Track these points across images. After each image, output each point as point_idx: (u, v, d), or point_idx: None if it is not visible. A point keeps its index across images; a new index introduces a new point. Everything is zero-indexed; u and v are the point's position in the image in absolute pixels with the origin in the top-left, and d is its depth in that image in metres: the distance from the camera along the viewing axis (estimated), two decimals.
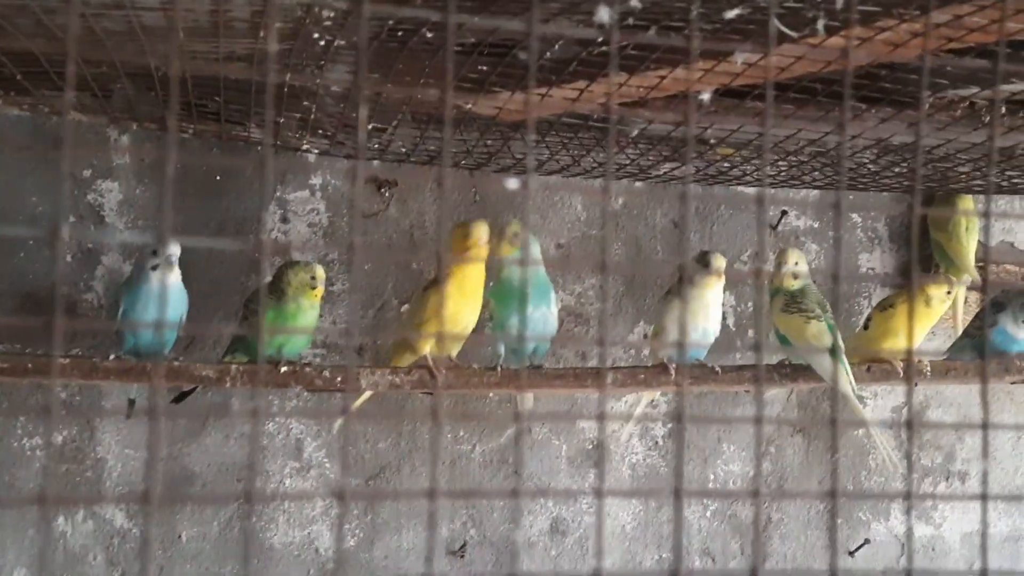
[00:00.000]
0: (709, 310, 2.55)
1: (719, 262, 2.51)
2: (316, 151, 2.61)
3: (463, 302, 2.42)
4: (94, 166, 2.71)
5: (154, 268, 2.32)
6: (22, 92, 2.14)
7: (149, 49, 1.46)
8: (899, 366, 2.58)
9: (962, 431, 3.15)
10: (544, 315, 2.54)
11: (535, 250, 2.57)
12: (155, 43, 1.42)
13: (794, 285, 2.57)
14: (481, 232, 2.43)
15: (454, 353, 2.54)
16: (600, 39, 1.38)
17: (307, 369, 2.37)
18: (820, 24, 1.17)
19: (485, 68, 1.66)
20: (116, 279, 2.67)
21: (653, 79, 1.62)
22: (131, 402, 2.56)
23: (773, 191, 2.98)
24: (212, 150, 2.71)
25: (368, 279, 2.85)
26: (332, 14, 1.32)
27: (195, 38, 1.49)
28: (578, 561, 2.93)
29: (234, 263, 2.75)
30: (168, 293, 2.32)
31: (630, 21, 1.31)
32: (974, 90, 1.74)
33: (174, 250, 2.32)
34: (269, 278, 2.69)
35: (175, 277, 2.35)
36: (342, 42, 1.45)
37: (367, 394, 2.56)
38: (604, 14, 1.15)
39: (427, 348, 2.44)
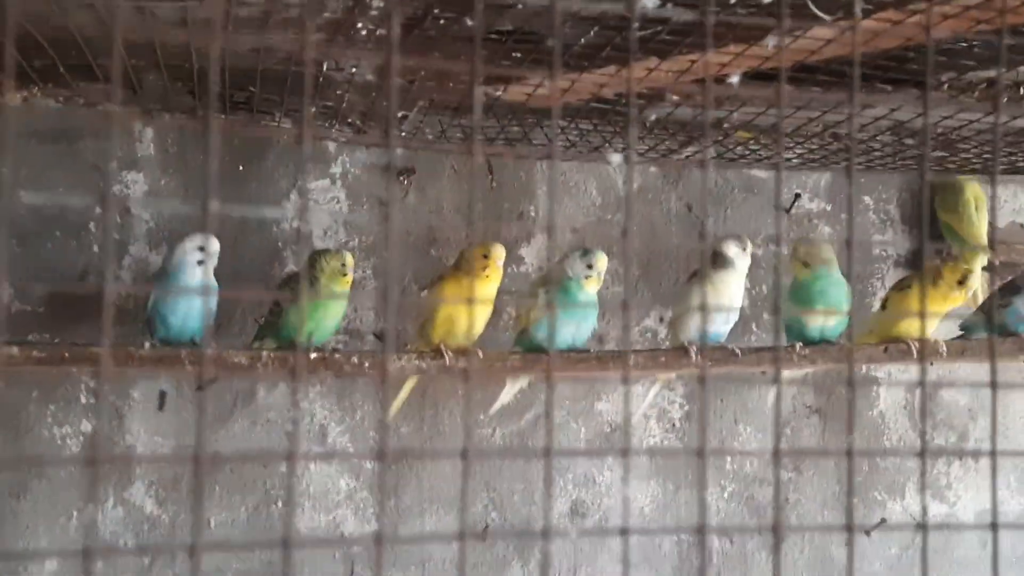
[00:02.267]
0: (732, 292, 2.58)
1: (747, 244, 2.55)
2: (343, 139, 2.64)
3: (460, 308, 2.45)
4: (119, 157, 2.73)
5: (200, 263, 2.35)
6: (60, 84, 2.17)
7: (194, 41, 1.49)
8: (915, 346, 2.61)
9: (975, 412, 3.19)
10: (588, 329, 2.58)
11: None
12: (201, 35, 1.45)
13: (807, 274, 2.60)
14: (499, 255, 2.47)
15: (469, 343, 2.55)
16: (635, 23, 1.41)
17: (336, 355, 2.40)
18: (858, 7, 1.20)
19: (518, 55, 1.69)
20: (143, 269, 2.71)
21: (684, 63, 1.65)
22: (162, 394, 2.60)
23: (785, 174, 3.02)
24: (235, 141, 2.74)
25: (388, 267, 2.88)
26: (381, 3, 1.35)
27: (241, 29, 1.52)
28: (598, 543, 2.97)
29: (259, 252, 2.79)
30: (210, 287, 2.35)
31: (669, 6, 1.34)
32: (996, 71, 1.77)
33: (216, 246, 2.36)
34: (295, 268, 2.74)
35: (208, 269, 2.38)
36: (383, 31, 1.48)
37: (410, 384, 2.60)
38: (648, 1, 1.18)
39: (437, 340, 2.47)
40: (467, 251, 2.48)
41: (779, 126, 1.18)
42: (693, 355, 2.53)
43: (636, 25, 0.98)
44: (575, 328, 2.54)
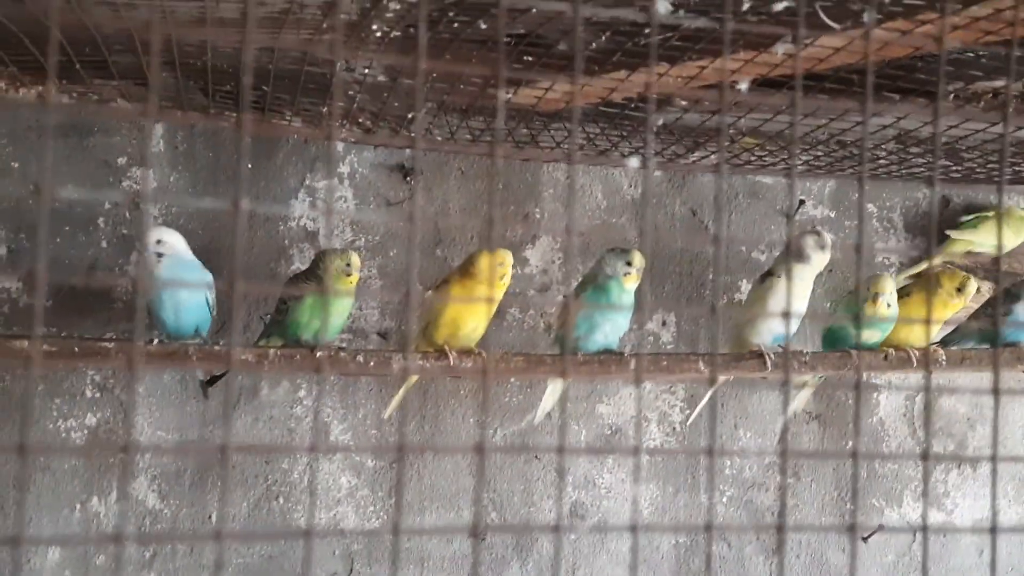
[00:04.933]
0: (804, 292, 2.57)
1: (829, 243, 2.54)
2: (352, 140, 2.66)
3: (471, 309, 2.47)
4: (129, 153, 2.75)
5: (160, 256, 2.36)
6: (74, 80, 2.19)
7: (212, 39, 1.51)
8: (915, 355, 2.63)
9: (973, 420, 3.21)
10: (622, 329, 2.59)
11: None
12: (220, 33, 1.46)
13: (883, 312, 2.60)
14: (509, 263, 2.50)
15: (472, 344, 2.57)
16: (647, 29, 1.42)
17: (342, 354, 2.42)
18: (867, 16, 1.21)
19: (530, 59, 1.71)
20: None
21: (693, 69, 1.67)
22: (203, 384, 2.63)
23: (790, 180, 3.04)
24: (245, 138, 2.75)
25: (395, 265, 2.90)
26: (398, 6, 1.37)
27: (260, 28, 1.53)
28: (596, 545, 2.98)
29: (265, 249, 2.81)
30: (160, 279, 2.35)
31: (681, 13, 1.36)
32: (1003, 82, 1.79)
33: (173, 240, 2.37)
34: (303, 268, 2.76)
35: (173, 262, 2.38)
36: (398, 33, 1.50)
37: (410, 383, 2.62)
38: (661, 5, 1.20)
39: (440, 341, 2.49)
40: (476, 256, 2.49)
41: (792, 133, 1.20)
42: (769, 363, 2.53)
43: (652, 31, 0.99)
44: (611, 328, 2.56)
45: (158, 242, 2.36)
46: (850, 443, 3.12)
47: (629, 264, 2.52)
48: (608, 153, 2.44)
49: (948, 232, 3.01)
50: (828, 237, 2.56)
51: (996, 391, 1.21)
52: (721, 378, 2.80)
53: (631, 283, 2.54)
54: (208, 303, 2.44)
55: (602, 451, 3.01)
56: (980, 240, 2.97)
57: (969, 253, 3.06)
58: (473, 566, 1.60)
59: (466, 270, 2.51)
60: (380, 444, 2.87)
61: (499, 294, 2.51)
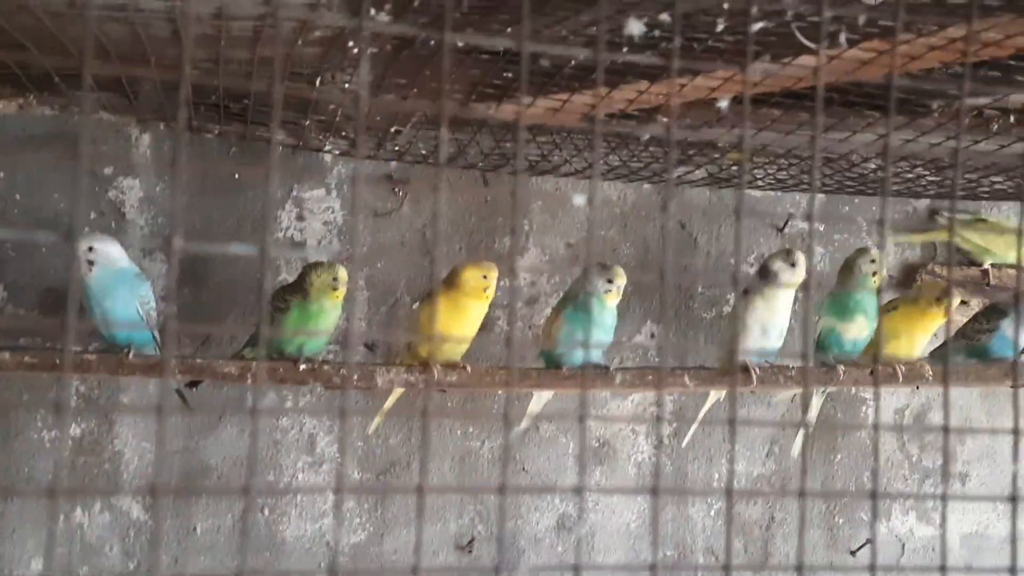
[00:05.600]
0: (785, 308, 2.58)
1: (803, 261, 2.55)
2: (337, 151, 2.66)
3: (457, 322, 2.47)
4: (115, 164, 2.75)
5: (91, 263, 2.35)
6: (55, 92, 2.18)
7: (190, 56, 1.50)
8: (901, 370, 2.62)
9: (963, 434, 3.20)
10: (605, 341, 2.59)
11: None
12: (196, 50, 1.46)
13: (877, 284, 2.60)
14: (494, 277, 2.49)
15: (457, 358, 2.56)
16: (625, 49, 1.42)
17: (326, 367, 2.41)
18: (843, 37, 1.21)
19: (509, 75, 1.70)
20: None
21: (674, 86, 1.67)
22: (179, 393, 2.62)
23: (779, 194, 3.04)
24: (231, 150, 2.75)
25: (381, 277, 2.89)
26: (373, 25, 1.36)
27: (235, 47, 1.53)
28: (584, 558, 2.98)
29: (249, 262, 2.80)
30: (92, 288, 2.34)
31: (656, 33, 1.35)
32: (985, 100, 1.79)
33: (105, 247, 2.36)
34: (290, 279, 2.75)
35: (103, 271, 2.36)
36: (375, 49, 1.50)
37: (395, 396, 2.62)
38: (634, 27, 1.20)
39: (425, 354, 2.48)
40: (461, 269, 2.48)
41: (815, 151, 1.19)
42: (755, 377, 2.53)
43: (599, 65, 0.99)
44: (594, 343, 2.55)
45: (89, 249, 2.35)
46: (839, 456, 3.12)
47: (610, 281, 2.52)
48: (587, 171, 2.43)
49: (945, 213, 3.03)
50: (799, 255, 2.56)
51: (946, 429, 1.20)
52: (713, 395, 2.80)
53: (612, 300, 2.54)
54: (139, 314, 2.39)
55: (587, 458, 3.00)
56: (969, 237, 2.98)
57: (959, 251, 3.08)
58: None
59: (451, 283, 2.50)
60: (364, 458, 2.86)
61: (484, 307, 2.50)
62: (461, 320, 2.47)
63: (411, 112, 2.13)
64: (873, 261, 2.60)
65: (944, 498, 1.08)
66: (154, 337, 2.45)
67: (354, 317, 2.83)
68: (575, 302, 2.55)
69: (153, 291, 2.47)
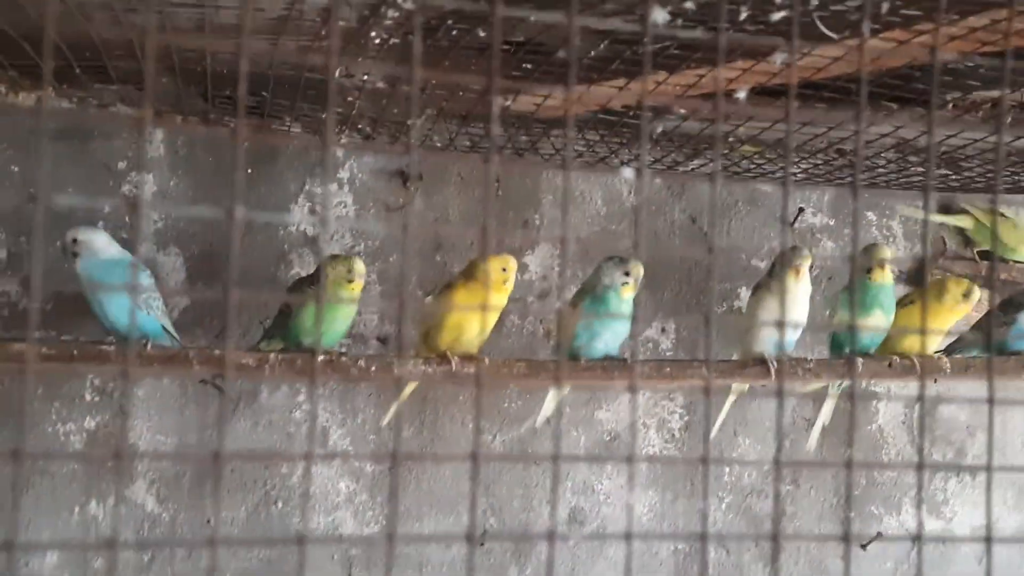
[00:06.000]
0: (800, 301, 2.58)
1: (807, 260, 2.55)
2: (353, 145, 2.66)
3: (474, 316, 2.47)
4: (129, 157, 2.76)
5: (75, 255, 2.36)
6: (74, 85, 2.19)
7: (212, 44, 1.51)
8: (918, 362, 2.62)
9: (973, 428, 3.20)
10: (622, 337, 2.60)
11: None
12: (221, 39, 1.47)
13: (884, 279, 2.61)
14: (512, 268, 2.50)
15: (475, 350, 2.56)
16: (644, 38, 1.42)
17: (343, 359, 2.42)
18: (866, 27, 1.22)
19: (529, 66, 1.71)
20: (151, 268, 2.73)
21: (691, 77, 1.67)
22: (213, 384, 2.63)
23: (790, 188, 3.04)
24: (244, 144, 2.76)
25: (394, 271, 2.90)
26: (396, 14, 1.37)
27: (259, 34, 1.54)
28: (595, 550, 2.98)
29: (264, 253, 2.81)
30: (82, 279, 2.35)
31: (679, 22, 1.36)
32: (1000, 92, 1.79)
33: (91, 238, 2.37)
34: (301, 272, 2.77)
35: (89, 262, 2.37)
36: (396, 40, 1.50)
37: (409, 389, 2.62)
38: (659, 15, 1.20)
39: (443, 346, 2.49)
40: (480, 261, 2.49)
41: (787, 142, 1.19)
42: (772, 370, 2.54)
43: (647, 40, 1.00)
44: (611, 336, 2.56)
45: (74, 241, 2.36)
46: (850, 450, 3.12)
47: (627, 274, 2.52)
48: (607, 160, 2.44)
49: (964, 206, 3.04)
50: (805, 253, 2.56)
51: (991, 400, 1.21)
52: (735, 388, 2.80)
53: (628, 293, 2.54)
54: (135, 303, 2.38)
55: (598, 451, 3.01)
56: (985, 221, 2.99)
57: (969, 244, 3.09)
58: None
59: (470, 274, 2.50)
60: (378, 450, 2.87)
61: (503, 299, 2.51)
62: (480, 312, 2.46)
63: (427, 104, 2.14)
64: (883, 256, 2.61)
65: (989, 468, 1.08)
66: (165, 328, 2.46)
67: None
68: (592, 295, 2.56)
69: (155, 280, 2.47)
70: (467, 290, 2.47)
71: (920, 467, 1.06)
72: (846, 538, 1.05)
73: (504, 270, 2.47)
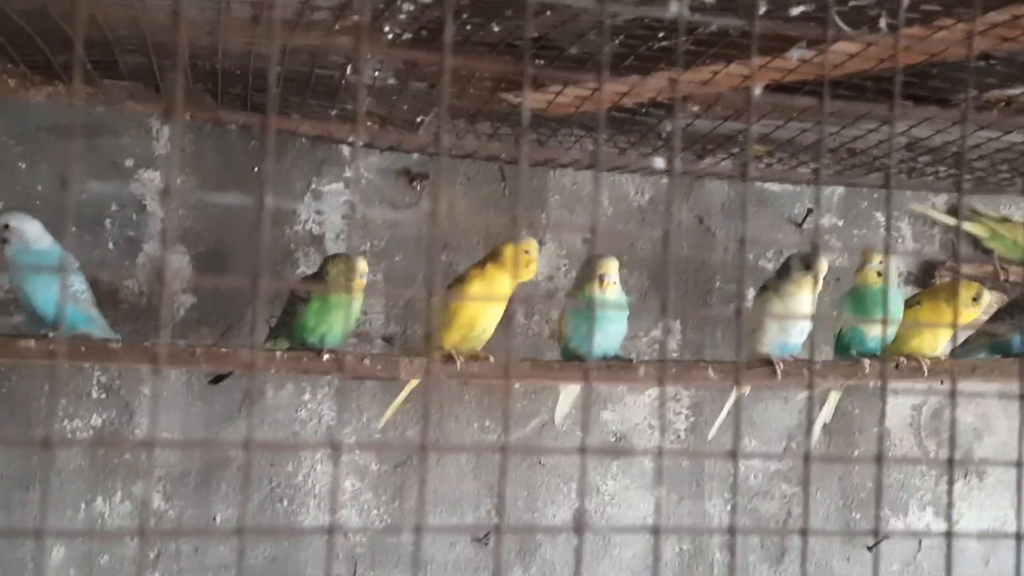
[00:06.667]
0: (805, 307, 2.55)
1: (822, 267, 2.53)
2: (360, 143, 2.65)
3: (483, 308, 2.46)
4: (136, 155, 2.75)
5: (4, 241, 2.34)
6: (85, 81, 2.18)
7: (224, 40, 1.50)
8: (926, 363, 2.62)
9: (980, 431, 3.20)
10: (617, 334, 2.59)
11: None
12: (233, 35, 1.46)
13: (879, 283, 2.59)
14: (535, 251, 2.49)
15: (478, 348, 2.55)
16: (661, 34, 1.42)
17: (348, 357, 2.41)
18: (883, 22, 1.21)
19: (541, 62, 1.70)
20: (157, 266, 2.73)
21: (707, 74, 1.67)
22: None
23: (798, 188, 3.04)
24: (251, 142, 2.76)
25: (399, 270, 2.90)
26: (411, 8, 1.36)
27: (272, 30, 1.53)
28: (599, 552, 2.98)
29: (270, 252, 2.80)
30: (9, 265, 2.33)
31: (696, 17, 1.35)
32: (1019, 89, 1.78)
33: (24, 226, 2.35)
34: (308, 270, 2.76)
35: (18, 250, 2.35)
36: (409, 35, 1.50)
37: (409, 388, 2.61)
38: (675, 8, 1.19)
39: (447, 344, 2.48)
40: (501, 247, 2.48)
41: (821, 142, 1.19)
42: (779, 372, 2.53)
43: (680, 28, 0.99)
44: (602, 336, 2.54)
45: (5, 227, 2.35)
46: (857, 452, 3.12)
47: (600, 272, 2.48)
48: (627, 153, 2.42)
49: (976, 210, 3.03)
50: (819, 261, 2.53)
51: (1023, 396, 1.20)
52: (736, 390, 2.78)
53: (609, 291, 2.50)
54: (60, 298, 2.36)
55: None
56: (1004, 233, 2.98)
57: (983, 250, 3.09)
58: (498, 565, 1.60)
59: (495, 260, 2.48)
60: (401, 443, 2.86)
61: (509, 282, 2.48)
62: (491, 303, 2.44)
63: (436, 102, 2.13)
64: (882, 261, 2.58)
65: (1019, 465, 1.08)
66: (91, 318, 2.43)
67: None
68: (575, 295, 2.56)
69: (84, 279, 2.44)
70: (484, 278, 2.45)
71: (950, 461, 1.06)
72: (875, 533, 1.04)
73: (526, 253, 2.45)
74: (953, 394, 1.17)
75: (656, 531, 1.18)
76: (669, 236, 0.99)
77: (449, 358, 2.44)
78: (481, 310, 2.45)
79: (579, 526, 1.01)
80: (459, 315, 2.47)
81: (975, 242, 3.16)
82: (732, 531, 1.19)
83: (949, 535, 1.12)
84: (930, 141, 2.09)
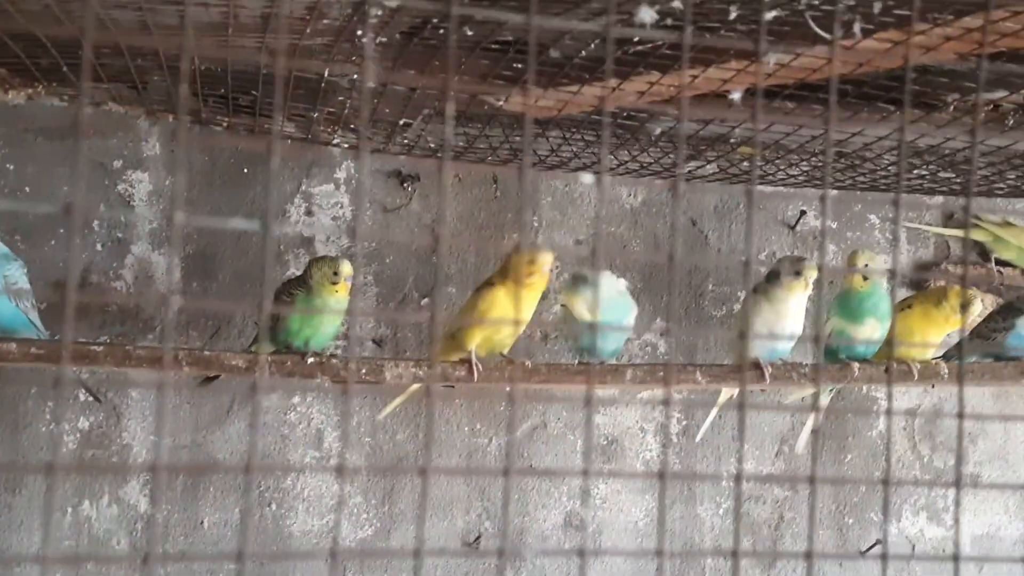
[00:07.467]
0: (795, 312, 2.54)
1: (811, 273, 2.51)
2: (346, 145, 2.64)
3: (516, 312, 2.42)
4: (125, 156, 2.75)
5: None
6: (64, 83, 2.17)
7: (197, 43, 1.49)
8: (915, 367, 2.59)
9: (975, 435, 3.17)
10: (616, 335, 2.56)
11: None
12: (203, 37, 1.45)
13: (865, 287, 2.57)
14: (546, 261, 2.42)
15: (505, 351, 2.52)
16: (636, 38, 1.41)
17: (333, 360, 2.40)
18: (857, 27, 1.19)
19: (520, 66, 1.69)
20: (145, 267, 2.72)
21: (685, 78, 1.65)
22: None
23: (791, 190, 3.02)
24: (239, 144, 2.75)
25: (390, 272, 2.88)
26: (380, 12, 1.35)
27: (244, 33, 1.52)
28: (590, 559, 2.96)
29: (259, 254, 2.79)
30: None
31: (668, 22, 1.34)
32: (1001, 94, 1.77)
33: None
34: (297, 272, 2.75)
35: None
36: (383, 39, 1.48)
37: (412, 389, 2.59)
38: (645, 14, 1.18)
39: (472, 346, 2.44)
40: (513, 257, 2.44)
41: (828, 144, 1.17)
42: (767, 375, 2.50)
43: (608, 45, 0.97)
44: (600, 338, 2.52)
45: None
46: (850, 456, 3.10)
47: (532, 263, 2.41)
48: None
49: (978, 216, 3.01)
50: (808, 266, 2.51)
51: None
52: (725, 392, 2.77)
53: (576, 301, 2.47)
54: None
55: (594, 455, 2.99)
56: (1008, 238, 2.96)
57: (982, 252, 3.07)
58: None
59: (506, 274, 2.44)
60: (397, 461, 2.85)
61: (537, 296, 2.45)
62: (522, 308, 2.40)
63: (422, 104, 2.12)
64: (867, 264, 2.55)
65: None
66: (31, 321, 2.40)
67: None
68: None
69: (25, 273, 2.41)
70: (506, 288, 2.40)
71: (957, 483, 1.04)
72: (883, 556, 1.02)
73: (531, 263, 2.38)
74: (960, 414, 1.15)
75: (659, 553, 1.17)
76: (673, 256, 0.97)
77: (465, 362, 2.38)
78: (510, 311, 2.38)
79: (579, 543, 1.00)
80: (492, 315, 2.41)
81: (981, 249, 3.13)
82: (735, 554, 1.17)
83: (956, 558, 1.10)
84: (917, 144, 2.07)
